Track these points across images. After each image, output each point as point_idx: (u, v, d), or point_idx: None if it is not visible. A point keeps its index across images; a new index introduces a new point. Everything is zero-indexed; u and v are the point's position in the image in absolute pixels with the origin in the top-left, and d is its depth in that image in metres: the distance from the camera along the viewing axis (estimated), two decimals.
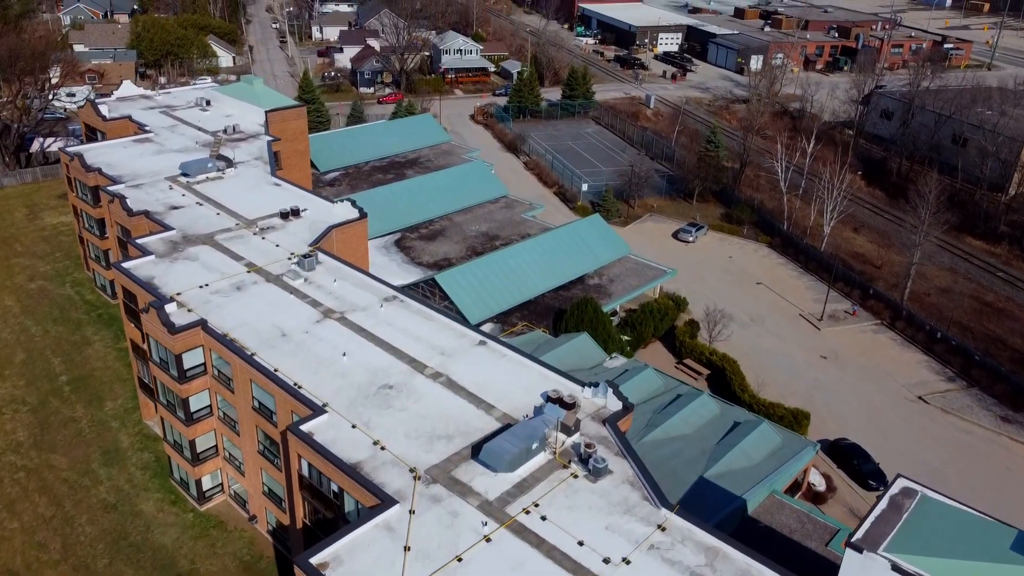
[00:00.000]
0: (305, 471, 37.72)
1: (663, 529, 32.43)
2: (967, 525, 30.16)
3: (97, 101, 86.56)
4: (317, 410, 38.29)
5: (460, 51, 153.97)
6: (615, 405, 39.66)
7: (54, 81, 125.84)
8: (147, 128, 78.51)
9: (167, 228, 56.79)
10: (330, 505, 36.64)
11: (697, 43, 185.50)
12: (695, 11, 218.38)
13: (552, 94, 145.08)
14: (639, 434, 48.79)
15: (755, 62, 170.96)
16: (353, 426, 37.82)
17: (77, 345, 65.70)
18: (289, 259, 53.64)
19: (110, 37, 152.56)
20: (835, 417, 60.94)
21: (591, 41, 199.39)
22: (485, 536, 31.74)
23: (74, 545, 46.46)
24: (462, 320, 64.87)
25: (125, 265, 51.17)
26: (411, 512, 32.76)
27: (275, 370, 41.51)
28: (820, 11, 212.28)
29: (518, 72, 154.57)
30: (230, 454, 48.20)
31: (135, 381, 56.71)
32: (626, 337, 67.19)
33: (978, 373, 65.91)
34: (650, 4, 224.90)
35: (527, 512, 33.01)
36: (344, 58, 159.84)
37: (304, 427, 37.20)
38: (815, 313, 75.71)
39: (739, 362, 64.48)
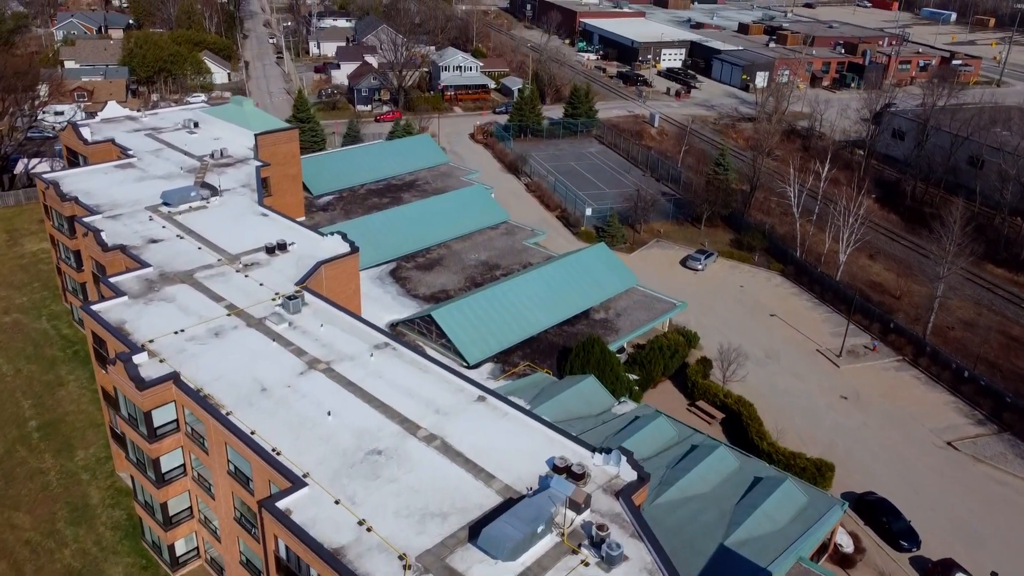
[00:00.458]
0: (283, 553, 33.66)
1: None
2: None
3: (80, 123, 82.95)
4: (297, 482, 34.27)
5: (460, 68, 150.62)
6: (629, 475, 35.63)
7: (42, 99, 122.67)
8: (130, 152, 74.75)
9: (144, 265, 52.86)
10: None
11: (701, 59, 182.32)
12: (698, 26, 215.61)
13: (553, 112, 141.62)
14: (653, 493, 44.73)
15: (760, 79, 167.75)
16: (336, 501, 33.79)
17: (50, 386, 61.68)
18: (273, 300, 49.71)
19: (102, 53, 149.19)
20: (860, 467, 56.84)
21: (593, 57, 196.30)
22: None
23: None
24: (460, 358, 61.17)
25: (95, 308, 47.22)
26: None
27: (252, 433, 37.50)
28: (825, 27, 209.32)
29: (519, 89, 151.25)
30: (205, 517, 44.11)
31: (107, 429, 52.67)
32: (634, 376, 63.14)
33: (1010, 416, 61.89)
34: (652, 19, 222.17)
35: None
36: (341, 74, 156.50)
37: (282, 503, 33.18)
38: (833, 348, 71.70)
39: (755, 404, 60.48)
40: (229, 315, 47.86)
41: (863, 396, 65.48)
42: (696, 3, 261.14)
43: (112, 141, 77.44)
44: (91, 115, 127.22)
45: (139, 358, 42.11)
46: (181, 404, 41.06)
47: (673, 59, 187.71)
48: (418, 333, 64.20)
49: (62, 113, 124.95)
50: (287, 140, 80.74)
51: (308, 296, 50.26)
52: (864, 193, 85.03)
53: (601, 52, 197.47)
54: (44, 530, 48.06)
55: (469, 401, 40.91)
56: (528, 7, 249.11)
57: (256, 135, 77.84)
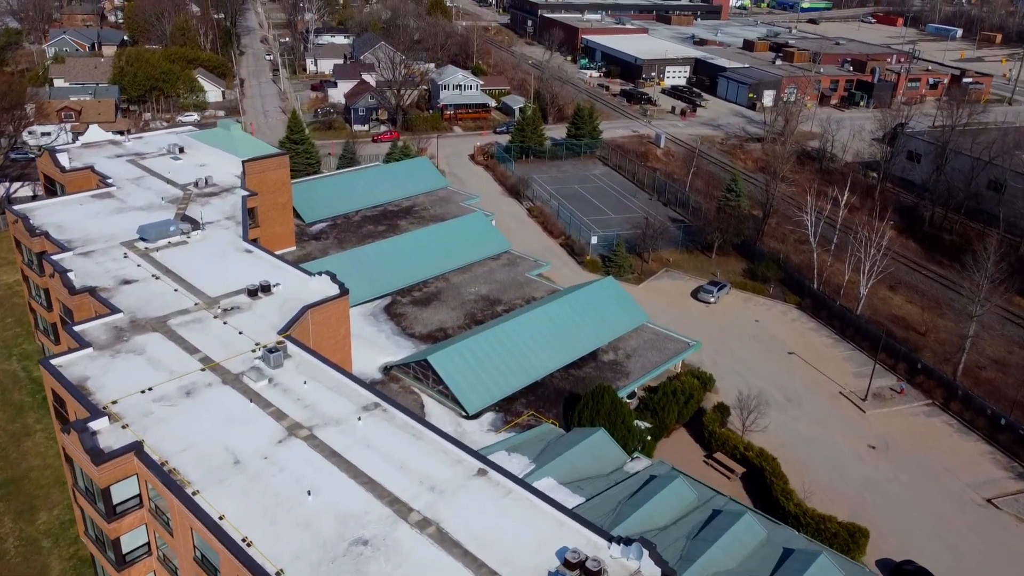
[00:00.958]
0: None
1: None
2: None
3: (59, 148, 78.71)
4: None
5: (459, 86, 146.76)
6: (651, 570, 31.01)
7: (28, 119, 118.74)
8: (109, 181, 70.41)
9: (113, 310, 48.36)
10: None
11: (706, 76, 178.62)
12: (701, 43, 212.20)
13: (556, 131, 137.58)
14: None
15: (767, 97, 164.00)
16: None
17: (15, 436, 57.10)
18: (253, 351, 45.18)
19: (92, 71, 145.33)
20: (894, 529, 52.16)
21: (595, 74, 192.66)
22: None
23: None
24: (459, 407, 56.61)
25: (55, 362, 42.68)
26: None
27: (220, 518, 32.89)
28: (832, 44, 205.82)
29: (520, 108, 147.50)
30: None
31: (70, 492, 48.02)
32: (646, 424, 58.58)
33: None
34: (656, 36, 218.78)
35: None
36: (338, 93, 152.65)
37: None
38: (858, 391, 67.14)
39: (778, 456, 55.91)
40: (204, 370, 43.32)
41: (892, 445, 60.86)
42: (699, 19, 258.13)
43: (91, 168, 73.13)
44: (79, 135, 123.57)
45: (99, 424, 37.60)
46: (144, 478, 36.49)
47: (677, 76, 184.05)
48: (414, 378, 59.68)
49: (48, 134, 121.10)
50: (276, 166, 76.71)
51: (291, 347, 45.74)
52: (886, 222, 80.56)
53: (604, 69, 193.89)
54: None
55: (468, 476, 36.31)
56: (529, 23, 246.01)
57: (243, 162, 73.70)
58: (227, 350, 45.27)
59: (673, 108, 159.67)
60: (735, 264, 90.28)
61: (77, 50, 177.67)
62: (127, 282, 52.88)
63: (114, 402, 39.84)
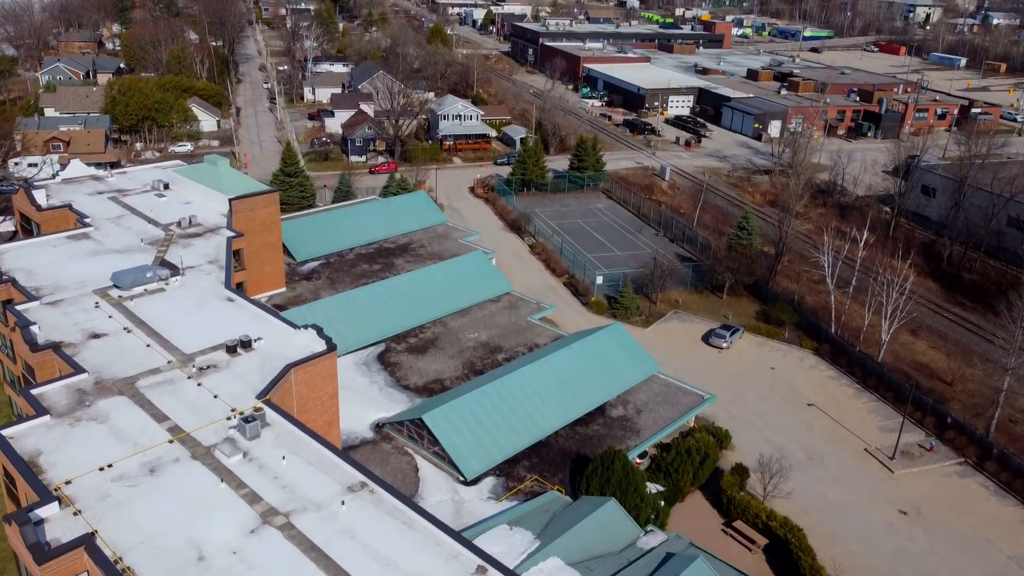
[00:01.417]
0: None
1: None
2: None
3: (36, 184, 74.93)
4: None
5: (459, 116, 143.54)
6: None
7: (15, 149, 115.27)
8: (87, 220, 66.41)
9: (78, 370, 44.08)
10: None
11: (710, 106, 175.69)
12: (704, 72, 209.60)
13: (558, 163, 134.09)
14: None
15: (773, 128, 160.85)
16: None
17: None
18: (228, 419, 40.82)
19: (83, 101, 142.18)
20: None
21: (597, 103, 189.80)
22: None
23: None
24: (456, 471, 52.15)
25: (6, 433, 38.26)
26: None
27: None
28: (837, 73, 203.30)
29: (522, 139, 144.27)
30: None
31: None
32: (659, 488, 54.09)
33: None
34: (658, 64, 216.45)
35: None
36: (335, 123, 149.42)
37: None
38: (884, 447, 62.65)
39: (803, 525, 51.30)
40: (172, 441, 38.93)
41: (925, 510, 56.29)
42: (702, 48, 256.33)
43: (69, 207, 69.18)
44: (66, 166, 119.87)
45: (48, 510, 33.18)
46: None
47: (681, 106, 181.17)
48: (408, 437, 55.23)
49: (35, 165, 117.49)
50: (265, 204, 72.70)
51: (271, 414, 41.37)
52: (909, 264, 76.48)
53: (606, 99, 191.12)
54: None
55: (467, 575, 31.80)
56: (530, 52, 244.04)
57: (230, 200, 69.76)
58: (199, 417, 40.89)
59: (677, 139, 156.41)
60: (747, 306, 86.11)
61: (71, 78, 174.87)
62: (96, 336, 48.60)
63: (68, 482, 35.41)
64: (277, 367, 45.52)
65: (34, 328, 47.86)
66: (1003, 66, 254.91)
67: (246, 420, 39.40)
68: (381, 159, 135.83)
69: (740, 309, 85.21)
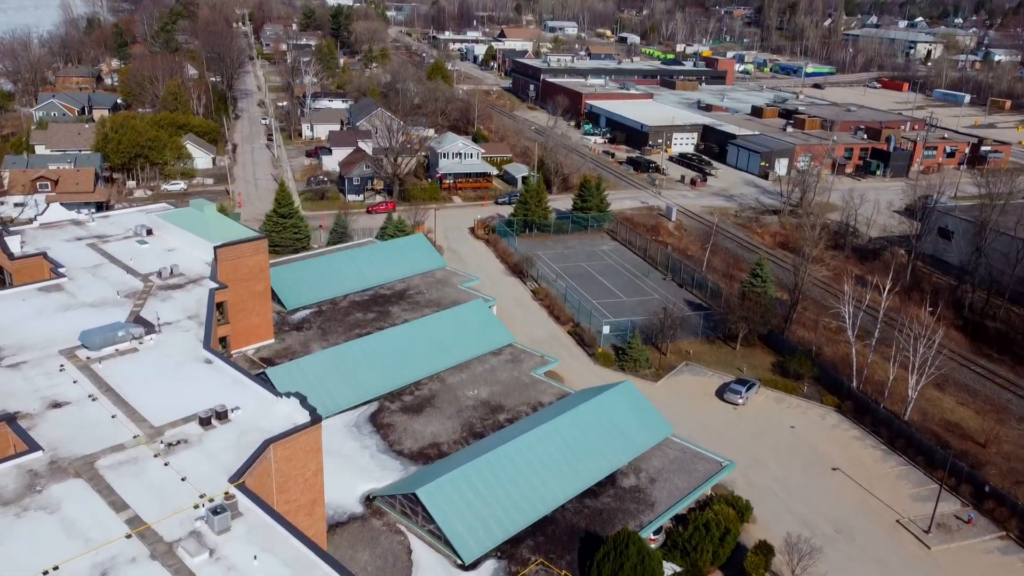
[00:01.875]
0: None
1: None
2: None
3: (13, 229, 70.92)
4: None
5: (459, 155, 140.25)
6: None
7: (4, 189, 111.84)
8: (61, 270, 62.31)
9: (32, 447, 39.59)
10: None
11: (715, 143, 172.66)
12: (707, 109, 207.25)
13: (560, 202, 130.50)
14: None
15: (780, 166, 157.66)
16: None
17: None
18: (196, 507, 36.21)
19: (75, 138, 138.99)
20: None
21: (600, 140, 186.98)
22: None
23: None
24: (453, 553, 47.29)
25: None
26: None
27: None
28: (843, 110, 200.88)
29: (523, 178, 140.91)
30: None
31: None
32: (676, 568, 49.21)
33: None
34: (661, 101, 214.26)
35: None
36: (332, 161, 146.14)
37: None
38: (917, 518, 57.82)
39: None
40: (130, 536, 34.29)
41: None
42: (704, 84, 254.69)
43: (44, 255, 65.16)
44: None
45: None
46: None
47: (685, 143, 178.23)
48: (401, 513, 50.43)
49: (23, 205, 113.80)
50: (253, 252, 68.78)
51: (244, 501, 36.76)
52: (937, 317, 72.15)
53: (608, 136, 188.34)
54: None
55: None
56: (531, 88, 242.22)
57: (215, 248, 65.77)
58: (164, 506, 36.27)
59: (683, 177, 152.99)
60: (762, 357, 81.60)
61: (65, 114, 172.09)
62: (57, 405, 44.14)
63: None
64: (255, 443, 41.01)
65: None
66: (1008, 103, 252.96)
67: (215, 511, 34.79)
68: (379, 198, 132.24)
69: (755, 361, 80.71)
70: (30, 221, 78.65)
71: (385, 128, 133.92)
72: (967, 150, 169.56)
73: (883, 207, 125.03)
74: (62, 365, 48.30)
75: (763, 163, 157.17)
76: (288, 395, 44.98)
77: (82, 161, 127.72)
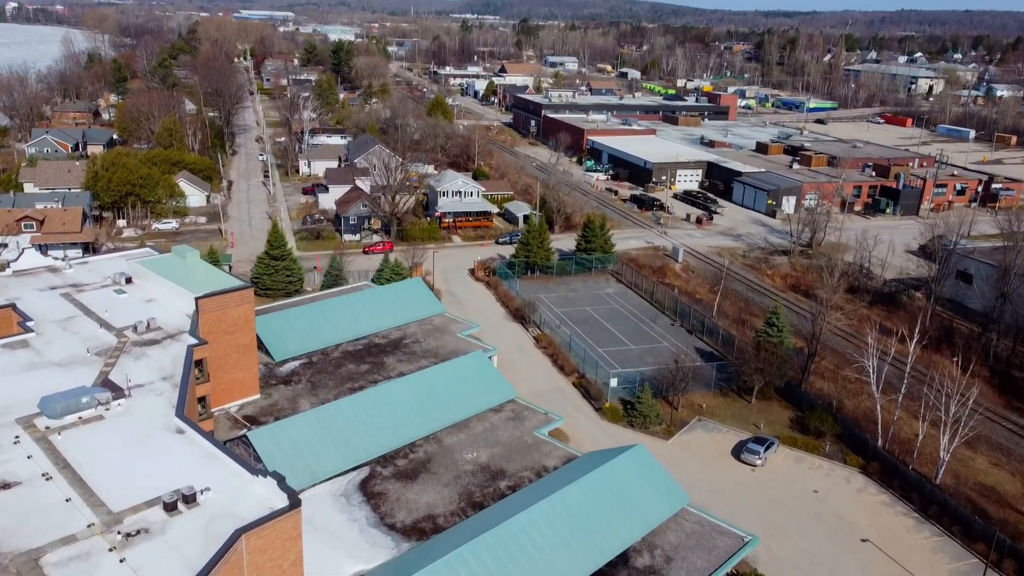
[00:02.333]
0: None
1: None
2: None
3: None
4: None
5: (459, 193, 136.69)
6: None
7: None
8: (30, 324, 57.93)
9: None
10: None
11: (720, 181, 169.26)
12: (711, 144, 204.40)
13: (563, 241, 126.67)
14: None
15: (787, 204, 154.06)
16: None
17: None
18: None
19: (65, 176, 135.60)
20: None
21: (602, 177, 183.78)
22: None
23: None
24: None
25: None
26: None
27: None
28: (849, 147, 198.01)
29: (525, 216, 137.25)
30: None
31: None
32: None
33: None
34: (664, 137, 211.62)
35: None
36: (329, 199, 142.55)
37: None
38: None
39: None
40: None
41: None
42: (707, 120, 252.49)
43: (13, 306, 60.78)
44: (40, 248, 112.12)
45: None
46: None
47: (689, 180, 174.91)
48: None
49: (5, 245, 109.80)
50: (238, 302, 64.32)
51: None
52: (969, 373, 67.49)
53: (611, 172, 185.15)
54: None
55: None
56: (532, 123, 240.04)
57: (197, 299, 61.39)
58: None
59: (688, 216, 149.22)
60: (779, 412, 76.87)
61: (57, 150, 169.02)
62: (6, 486, 39.51)
63: None
64: (225, 532, 36.30)
65: None
66: (1013, 138, 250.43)
67: None
68: (376, 238, 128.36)
69: (772, 416, 75.96)
70: (3, 268, 74.38)
71: (383, 166, 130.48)
72: (979, 188, 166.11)
73: (897, 247, 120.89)
74: (17, 436, 43.73)
75: (770, 201, 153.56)
76: (265, 474, 40.31)
77: (70, 200, 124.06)
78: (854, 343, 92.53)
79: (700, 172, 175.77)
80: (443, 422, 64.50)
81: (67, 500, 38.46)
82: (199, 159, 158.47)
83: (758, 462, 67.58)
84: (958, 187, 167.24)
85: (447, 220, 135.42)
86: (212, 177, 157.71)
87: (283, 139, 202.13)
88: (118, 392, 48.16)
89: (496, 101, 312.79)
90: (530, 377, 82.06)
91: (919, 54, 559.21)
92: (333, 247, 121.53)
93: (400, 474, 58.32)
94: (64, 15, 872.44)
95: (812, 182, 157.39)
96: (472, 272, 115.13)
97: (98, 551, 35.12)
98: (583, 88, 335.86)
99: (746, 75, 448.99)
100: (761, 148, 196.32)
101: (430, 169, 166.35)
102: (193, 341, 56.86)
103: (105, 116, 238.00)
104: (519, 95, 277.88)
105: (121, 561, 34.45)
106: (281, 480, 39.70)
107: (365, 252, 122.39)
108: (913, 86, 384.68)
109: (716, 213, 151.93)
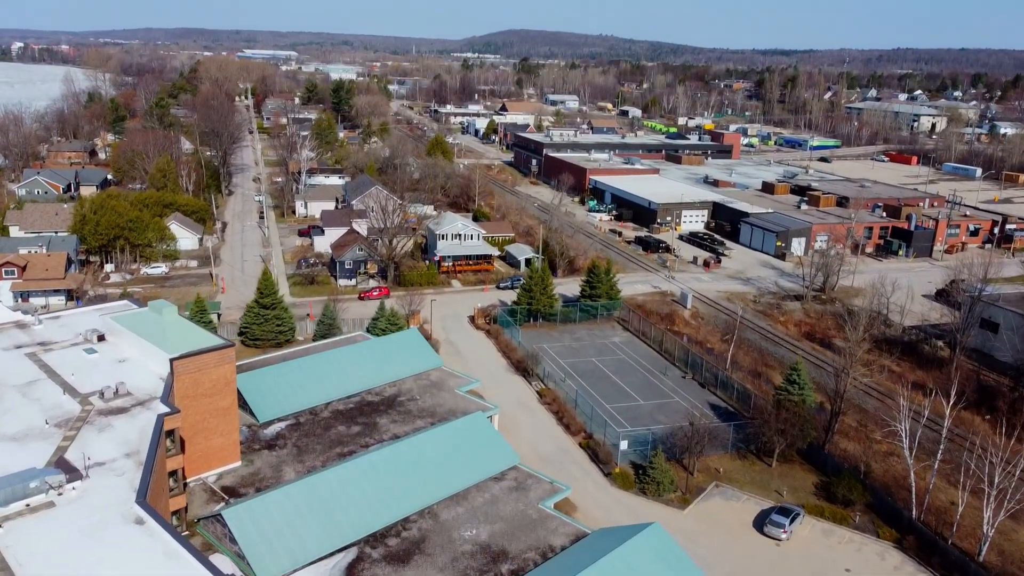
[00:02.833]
0: None
1: None
2: None
3: None
4: None
5: (459, 236, 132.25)
6: None
7: None
8: None
9: None
10: None
11: (726, 222, 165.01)
12: (715, 184, 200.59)
13: (566, 286, 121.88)
14: None
15: (796, 245, 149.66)
16: None
17: None
18: None
19: (52, 219, 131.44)
20: None
21: (606, 217, 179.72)
22: None
23: None
24: None
25: None
26: None
27: None
28: (857, 186, 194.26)
29: (527, 260, 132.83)
30: None
31: None
32: None
33: None
34: (667, 176, 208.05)
35: None
36: (325, 242, 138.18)
37: None
38: None
39: None
40: None
41: None
42: (710, 159, 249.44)
43: None
44: (21, 296, 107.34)
45: None
46: None
47: (695, 221, 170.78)
48: None
49: None
50: (217, 363, 59.42)
51: None
52: (1015, 434, 62.17)
53: (615, 212, 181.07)
54: None
55: None
56: (534, 162, 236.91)
57: (172, 360, 56.48)
58: None
59: (695, 258, 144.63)
60: (802, 476, 71.30)
61: (48, 192, 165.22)
62: None
63: None
64: None
65: None
66: (1022, 177, 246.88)
67: None
68: (372, 283, 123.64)
69: (795, 481, 70.40)
70: None
71: (380, 208, 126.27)
72: (993, 228, 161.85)
73: (914, 292, 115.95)
74: None
75: (779, 243, 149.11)
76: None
77: (56, 244, 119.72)
78: (876, 396, 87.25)
79: (706, 212, 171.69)
80: (440, 493, 59.13)
81: None
82: (192, 201, 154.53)
83: (783, 536, 61.92)
84: (971, 228, 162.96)
85: (446, 264, 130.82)
86: (206, 219, 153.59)
87: (280, 179, 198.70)
88: (73, 474, 43.06)
89: (497, 140, 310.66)
90: (534, 437, 76.69)
91: (919, 91, 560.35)
92: (328, 293, 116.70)
93: (391, 556, 52.76)
94: (69, 55, 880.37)
95: (822, 223, 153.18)
96: (472, 320, 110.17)
97: None
98: (584, 126, 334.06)
99: (747, 113, 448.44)
100: (767, 188, 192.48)
101: (429, 210, 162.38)
102: (164, 410, 51.79)
103: (102, 155, 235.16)
104: (520, 134, 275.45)
105: None
106: None
107: (361, 298, 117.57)
108: (916, 124, 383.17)
109: (724, 255, 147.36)
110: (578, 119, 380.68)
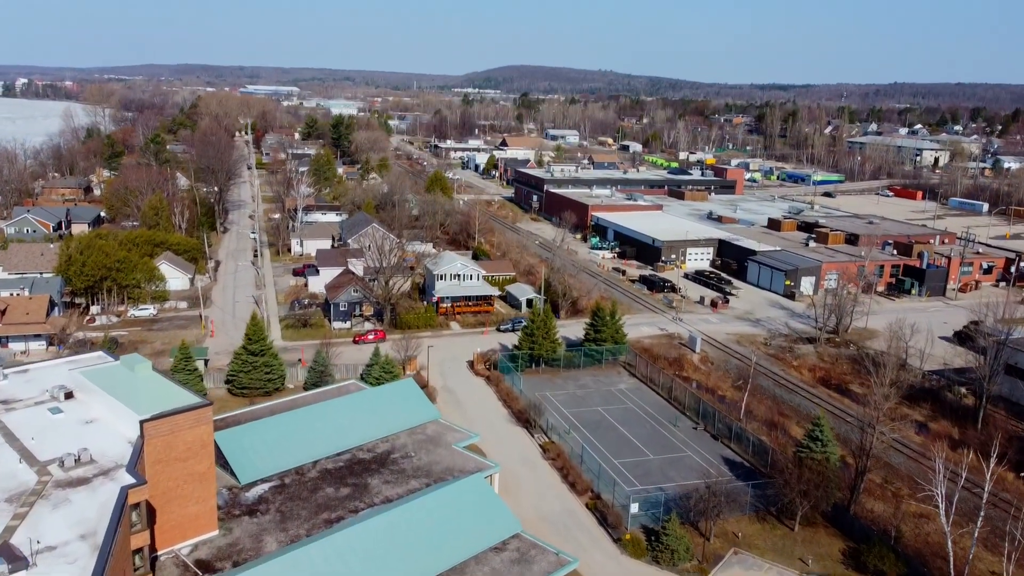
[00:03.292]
0: None
1: None
2: None
3: None
4: None
5: (458, 276, 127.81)
6: None
7: None
8: None
9: None
10: None
11: (732, 259, 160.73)
12: (719, 220, 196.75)
13: (569, 328, 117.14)
14: None
15: (806, 284, 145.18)
16: None
17: None
18: None
19: (37, 260, 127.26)
20: None
21: (608, 255, 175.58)
22: None
23: None
24: None
25: None
26: None
27: None
28: (865, 223, 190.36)
29: (528, 300, 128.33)
30: None
31: None
32: None
33: None
34: (670, 212, 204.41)
35: None
36: (319, 282, 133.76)
37: None
38: None
39: None
40: None
41: None
42: (713, 194, 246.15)
43: None
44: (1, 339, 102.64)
45: None
46: None
47: (700, 259, 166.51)
48: None
49: None
50: (192, 424, 54.43)
51: None
52: None
53: (618, 250, 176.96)
54: None
55: None
56: (535, 198, 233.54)
57: (142, 422, 51.60)
58: None
59: (702, 298, 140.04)
60: (828, 542, 65.93)
61: (37, 230, 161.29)
62: None
63: None
64: None
65: None
66: None
67: None
68: (368, 325, 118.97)
69: (819, 547, 65.03)
70: None
71: (376, 248, 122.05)
72: (1008, 266, 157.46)
73: (933, 333, 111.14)
74: None
75: (788, 282, 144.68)
76: None
77: (39, 286, 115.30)
78: (901, 450, 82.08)
79: (711, 250, 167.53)
80: (434, 568, 53.87)
81: None
82: (184, 239, 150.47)
83: None
84: (984, 265, 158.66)
85: (445, 305, 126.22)
86: (198, 258, 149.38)
87: (277, 216, 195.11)
88: (17, 562, 37.98)
89: (497, 175, 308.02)
90: (537, 497, 71.46)
91: (919, 126, 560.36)
92: (321, 336, 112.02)
93: None
94: (72, 90, 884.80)
95: (832, 261, 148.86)
96: (471, 365, 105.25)
97: None
98: (585, 161, 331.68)
99: (748, 148, 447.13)
100: (773, 224, 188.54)
101: (429, 247, 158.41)
102: (130, 480, 46.78)
103: (97, 192, 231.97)
104: (520, 169, 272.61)
105: None
106: None
107: (355, 342, 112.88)
108: (919, 158, 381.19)
109: (732, 295, 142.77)
110: (579, 154, 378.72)
